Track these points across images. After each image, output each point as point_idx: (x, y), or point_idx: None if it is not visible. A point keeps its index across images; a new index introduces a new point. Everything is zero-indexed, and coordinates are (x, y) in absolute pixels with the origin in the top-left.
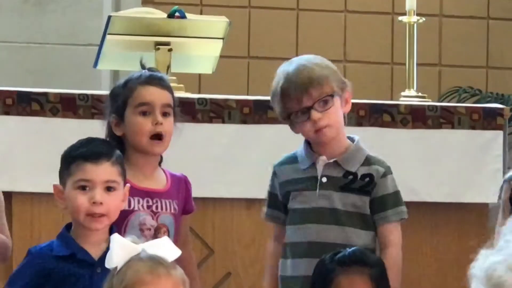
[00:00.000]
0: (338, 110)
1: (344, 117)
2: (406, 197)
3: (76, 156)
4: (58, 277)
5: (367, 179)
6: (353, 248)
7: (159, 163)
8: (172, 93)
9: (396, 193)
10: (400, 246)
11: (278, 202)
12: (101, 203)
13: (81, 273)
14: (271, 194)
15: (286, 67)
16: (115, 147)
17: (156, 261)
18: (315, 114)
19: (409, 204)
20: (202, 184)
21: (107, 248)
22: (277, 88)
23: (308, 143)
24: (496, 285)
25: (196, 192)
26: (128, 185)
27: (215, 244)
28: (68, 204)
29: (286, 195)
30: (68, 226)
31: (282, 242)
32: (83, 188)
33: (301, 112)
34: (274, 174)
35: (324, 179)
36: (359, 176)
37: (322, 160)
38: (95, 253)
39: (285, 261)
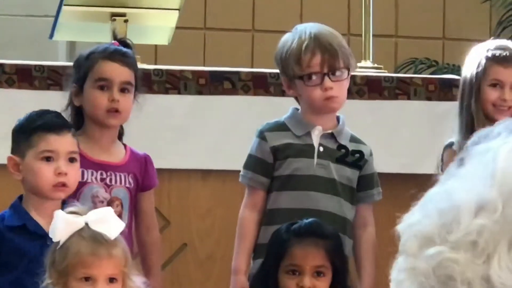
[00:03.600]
0: (347, 84)
1: None
2: None
3: (38, 127)
4: (8, 248)
5: (357, 155)
6: (309, 220)
7: (120, 138)
8: (135, 70)
9: (377, 174)
10: None
11: (265, 167)
12: (65, 174)
13: (31, 245)
14: (257, 158)
15: (307, 29)
16: (75, 118)
17: (97, 241)
18: (328, 82)
19: None
20: (158, 155)
21: None
22: (300, 44)
23: (296, 111)
24: (448, 277)
25: None
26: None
27: (171, 215)
28: (27, 175)
29: (276, 161)
30: (21, 197)
31: (260, 210)
32: (47, 159)
33: (315, 76)
34: (263, 138)
35: (321, 148)
36: (350, 151)
37: (319, 130)
38: (46, 225)
39: (269, 227)
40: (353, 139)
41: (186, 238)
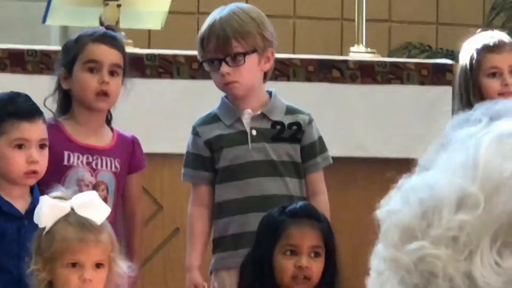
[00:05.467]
0: (251, 69)
1: (266, 74)
2: (355, 153)
3: (9, 114)
4: None
5: (295, 127)
6: (303, 202)
7: (109, 123)
8: (123, 53)
9: (321, 139)
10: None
11: (203, 162)
12: (37, 161)
13: (8, 227)
14: (194, 154)
15: (216, 13)
16: (62, 102)
17: (84, 227)
18: (224, 68)
19: (358, 160)
20: (150, 139)
21: (32, 201)
22: (200, 33)
23: (227, 98)
24: (429, 273)
25: (144, 148)
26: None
27: (163, 200)
28: None
29: (214, 154)
30: None
31: (207, 205)
32: (19, 146)
33: (213, 62)
34: (196, 134)
35: (254, 132)
36: (286, 125)
37: (248, 113)
38: (20, 206)
39: (219, 221)
40: (289, 111)
41: (179, 222)
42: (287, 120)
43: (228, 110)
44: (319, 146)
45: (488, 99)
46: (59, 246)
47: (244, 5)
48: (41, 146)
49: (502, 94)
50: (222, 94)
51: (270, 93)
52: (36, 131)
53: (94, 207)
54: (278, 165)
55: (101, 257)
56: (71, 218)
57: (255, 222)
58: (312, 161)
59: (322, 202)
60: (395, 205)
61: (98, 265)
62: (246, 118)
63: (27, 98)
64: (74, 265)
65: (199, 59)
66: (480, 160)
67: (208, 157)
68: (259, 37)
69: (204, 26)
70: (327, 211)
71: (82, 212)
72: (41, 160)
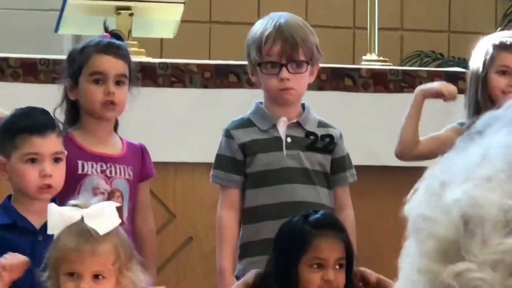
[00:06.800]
0: (307, 78)
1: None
2: (368, 161)
3: (21, 129)
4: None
5: (327, 139)
6: (324, 211)
7: (115, 130)
8: (128, 62)
9: (349, 155)
10: None
11: (236, 165)
12: (50, 175)
13: (21, 241)
14: (227, 157)
15: (276, 18)
16: (70, 112)
17: (83, 237)
18: (285, 73)
19: (371, 168)
20: (163, 148)
21: None
22: (263, 33)
23: (260, 105)
24: None
25: (157, 157)
26: (65, 152)
27: (176, 209)
28: (14, 176)
29: (246, 158)
30: (10, 196)
31: (237, 209)
32: (32, 161)
33: (273, 65)
34: (230, 137)
35: (289, 139)
36: (319, 137)
37: (283, 121)
38: (37, 222)
39: (249, 226)
40: (321, 124)
41: (192, 231)
42: (319, 132)
43: (263, 116)
44: (348, 162)
45: (493, 96)
46: (59, 255)
47: (297, 16)
48: (56, 160)
49: (505, 93)
50: (234, 102)
51: (302, 106)
52: (48, 145)
53: (102, 217)
54: (311, 173)
55: (99, 268)
56: (74, 227)
57: None
58: (342, 174)
59: (349, 217)
60: (433, 211)
61: (97, 276)
62: (281, 126)
63: (42, 112)
64: (72, 274)
65: (255, 61)
66: None
67: (241, 161)
68: (316, 49)
69: (265, 29)
70: (354, 225)
71: (89, 221)
72: (56, 174)
